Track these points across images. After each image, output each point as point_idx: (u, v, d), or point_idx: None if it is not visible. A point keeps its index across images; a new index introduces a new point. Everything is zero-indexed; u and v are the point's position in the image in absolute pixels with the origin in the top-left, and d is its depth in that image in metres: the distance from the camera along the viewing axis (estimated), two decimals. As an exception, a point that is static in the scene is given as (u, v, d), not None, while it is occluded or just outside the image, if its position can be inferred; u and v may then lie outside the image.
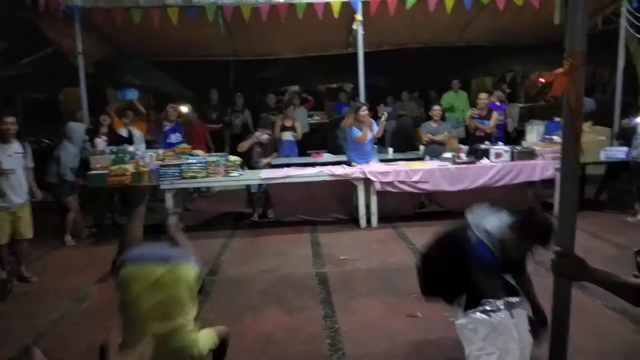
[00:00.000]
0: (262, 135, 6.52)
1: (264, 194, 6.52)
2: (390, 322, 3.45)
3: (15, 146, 4.48)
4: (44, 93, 9.96)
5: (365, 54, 6.75)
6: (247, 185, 6.48)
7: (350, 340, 3.19)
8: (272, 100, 9.58)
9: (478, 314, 1.71)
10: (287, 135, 7.80)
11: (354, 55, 6.87)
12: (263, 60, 9.55)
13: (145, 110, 7.88)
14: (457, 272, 2.04)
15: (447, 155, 6.27)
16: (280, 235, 5.78)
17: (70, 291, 4.20)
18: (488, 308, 1.70)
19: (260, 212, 6.61)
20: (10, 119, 4.39)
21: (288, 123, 7.84)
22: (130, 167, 5.66)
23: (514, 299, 1.75)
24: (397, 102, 10.12)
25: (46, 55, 8.38)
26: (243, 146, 6.57)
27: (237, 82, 10.83)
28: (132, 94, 7.53)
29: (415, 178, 5.85)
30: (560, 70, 1.73)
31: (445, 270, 2.20)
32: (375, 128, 6.25)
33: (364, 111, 6.09)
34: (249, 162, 6.58)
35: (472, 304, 1.81)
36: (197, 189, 7.69)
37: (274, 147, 6.94)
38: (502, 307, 1.71)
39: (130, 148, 6.18)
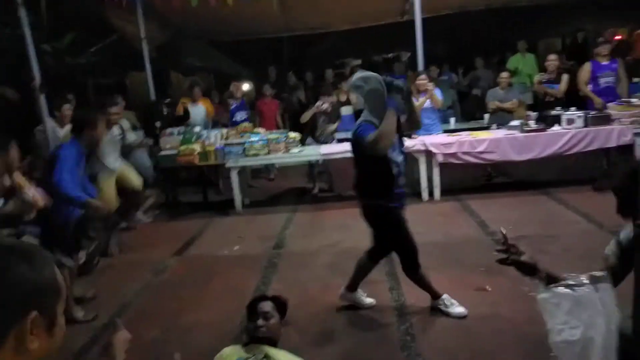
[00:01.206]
0: (324, 104, 6.49)
1: (325, 169, 6.58)
2: (457, 295, 3.40)
3: (114, 130, 4.90)
4: (112, 79, 10.49)
5: (423, 20, 6.52)
6: (309, 161, 6.56)
7: (417, 313, 3.21)
8: (330, 74, 9.52)
9: (560, 288, 1.66)
10: (346, 110, 7.75)
11: (411, 23, 6.65)
12: (316, 35, 9.49)
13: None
14: None
15: (515, 123, 5.98)
16: (341, 210, 5.82)
17: (150, 264, 4.50)
18: (571, 282, 1.64)
19: (325, 186, 6.69)
20: (114, 109, 4.78)
21: (344, 98, 7.79)
22: (197, 147, 5.90)
23: (599, 273, 1.68)
24: (471, 71, 9.62)
25: (112, 42, 8.81)
26: (305, 116, 6.61)
27: (291, 58, 10.86)
28: None
29: (481, 148, 5.65)
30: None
31: None
32: (440, 97, 6.08)
33: (421, 80, 5.94)
34: (313, 134, 6.63)
35: None
36: (260, 171, 7.85)
37: (337, 114, 6.89)
38: (585, 281, 1.65)
39: (196, 128, 6.41)
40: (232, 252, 4.74)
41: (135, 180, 4.87)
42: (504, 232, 1.87)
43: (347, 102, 7.78)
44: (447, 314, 3.13)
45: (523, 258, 1.81)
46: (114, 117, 4.82)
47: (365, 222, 3.21)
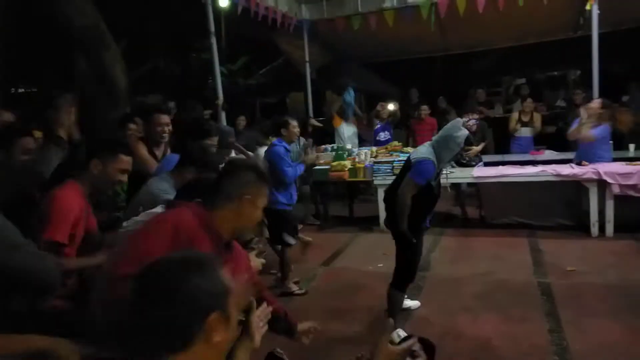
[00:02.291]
0: (470, 121, 6.17)
1: (476, 192, 6.27)
2: (633, 347, 2.96)
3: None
4: (275, 97, 11.52)
5: (601, 35, 5.87)
6: (456, 184, 6.32)
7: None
8: (482, 95, 9.09)
9: None
10: (525, 131, 7.21)
11: (580, 39, 6.05)
12: (471, 53, 9.16)
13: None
14: None
15: None
16: (493, 238, 5.49)
17: (302, 272, 4.76)
18: None
19: (472, 213, 6.38)
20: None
21: (525, 117, 7.25)
22: (347, 164, 6.14)
23: None
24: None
25: (278, 65, 9.71)
26: None
27: (444, 77, 10.65)
28: (349, 97, 7.99)
29: (668, 180, 4.84)
30: None
31: None
32: (604, 129, 5.34)
33: (594, 106, 5.31)
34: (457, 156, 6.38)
35: None
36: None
37: (482, 134, 6.52)
38: None
39: (348, 145, 6.66)
40: (376, 268, 4.78)
41: None
42: None
43: (529, 122, 7.16)
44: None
45: None
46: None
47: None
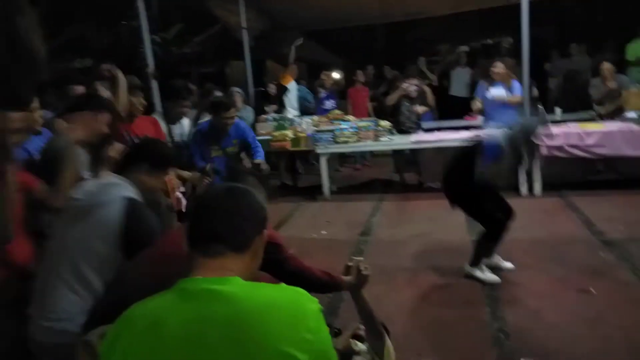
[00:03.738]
0: (410, 87, 6.29)
1: (414, 159, 6.43)
2: (558, 296, 3.19)
3: None
4: (213, 67, 11.10)
5: (531, 3, 6.06)
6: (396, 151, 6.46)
7: (512, 310, 3.05)
8: (423, 62, 9.23)
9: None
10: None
11: (516, 7, 6.21)
12: (411, 21, 9.22)
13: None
14: None
15: (631, 114, 5.41)
16: (430, 201, 5.65)
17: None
18: None
19: (412, 178, 6.56)
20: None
21: None
22: (289, 133, 6.08)
23: None
24: (565, 57, 8.94)
25: (215, 32, 9.31)
26: (391, 99, 6.50)
27: (387, 46, 10.71)
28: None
29: (590, 141, 5.18)
30: None
31: None
32: (517, 90, 5.57)
33: (497, 68, 5.55)
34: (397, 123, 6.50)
35: None
36: (347, 160, 7.91)
37: (423, 99, 6.67)
38: None
39: (290, 114, 6.59)
40: (320, 235, 4.83)
41: None
42: None
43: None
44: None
45: None
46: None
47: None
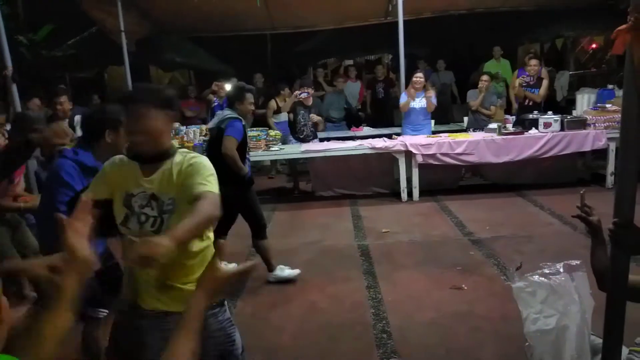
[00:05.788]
0: (302, 94, 6.41)
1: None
2: (434, 293, 3.44)
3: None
4: (90, 72, 10.28)
5: (405, 23, 6.56)
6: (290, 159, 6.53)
7: (394, 310, 3.21)
8: (311, 74, 9.46)
9: (536, 277, 1.68)
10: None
11: (393, 25, 6.68)
12: (300, 33, 9.43)
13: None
14: None
15: (493, 126, 6.07)
16: (321, 209, 5.82)
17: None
18: (547, 271, 1.66)
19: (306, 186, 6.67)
20: (63, 98, 4.60)
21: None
22: (175, 143, 5.80)
23: (575, 262, 1.71)
24: (434, 72, 9.76)
25: (90, 35, 8.62)
26: (285, 107, 6.57)
27: (275, 56, 10.78)
28: None
29: (459, 150, 5.71)
30: (623, 26, 1.61)
31: None
32: (434, 100, 6.16)
33: (418, 78, 6.04)
34: (294, 132, 6.60)
35: None
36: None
37: (318, 109, 6.85)
38: (561, 270, 1.68)
39: (175, 124, 6.31)
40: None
41: None
42: (582, 192, 1.88)
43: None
44: (281, 280, 3.74)
45: (592, 219, 1.82)
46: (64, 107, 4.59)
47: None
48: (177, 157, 1.73)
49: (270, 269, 3.78)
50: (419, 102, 6.14)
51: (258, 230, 3.81)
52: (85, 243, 1.06)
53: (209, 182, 1.68)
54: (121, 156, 1.80)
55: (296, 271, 3.81)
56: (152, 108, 1.65)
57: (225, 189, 3.22)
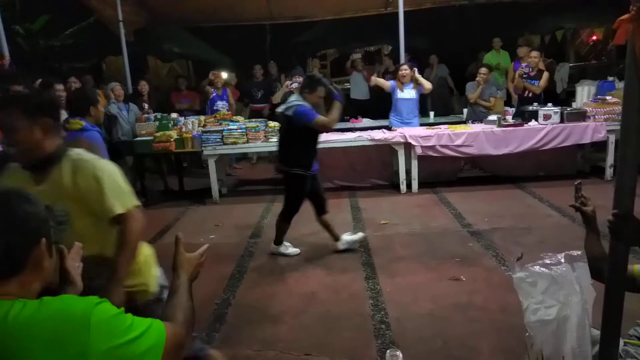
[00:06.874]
0: (293, 84, 6.38)
1: None
2: (433, 284, 3.45)
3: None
4: (87, 62, 10.20)
5: (406, 13, 6.51)
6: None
7: (392, 301, 3.22)
8: (317, 64, 9.35)
9: (537, 267, 1.68)
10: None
11: (393, 16, 6.64)
12: (299, 24, 9.37)
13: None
14: None
15: (492, 117, 6.05)
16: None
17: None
18: (548, 261, 1.66)
19: None
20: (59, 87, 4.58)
21: None
22: (173, 134, 5.79)
23: (576, 252, 1.72)
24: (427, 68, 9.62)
25: (88, 25, 8.55)
26: (276, 98, 6.57)
27: (274, 47, 10.70)
28: None
29: (459, 142, 5.70)
30: (625, 16, 1.60)
31: None
32: (421, 89, 6.11)
33: (403, 70, 5.98)
34: None
35: None
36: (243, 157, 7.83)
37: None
38: (562, 260, 1.67)
39: (174, 115, 6.30)
40: (207, 240, 4.67)
41: None
42: (578, 182, 1.91)
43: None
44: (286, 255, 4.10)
45: (586, 209, 1.84)
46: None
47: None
48: (66, 165, 1.67)
49: (277, 242, 4.17)
50: (408, 93, 6.09)
51: (285, 213, 4.12)
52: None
53: (122, 194, 1.65)
54: (16, 164, 1.73)
55: (297, 250, 4.20)
56: (22, 118, 1.55)
57: (290, 172, 3.84)
